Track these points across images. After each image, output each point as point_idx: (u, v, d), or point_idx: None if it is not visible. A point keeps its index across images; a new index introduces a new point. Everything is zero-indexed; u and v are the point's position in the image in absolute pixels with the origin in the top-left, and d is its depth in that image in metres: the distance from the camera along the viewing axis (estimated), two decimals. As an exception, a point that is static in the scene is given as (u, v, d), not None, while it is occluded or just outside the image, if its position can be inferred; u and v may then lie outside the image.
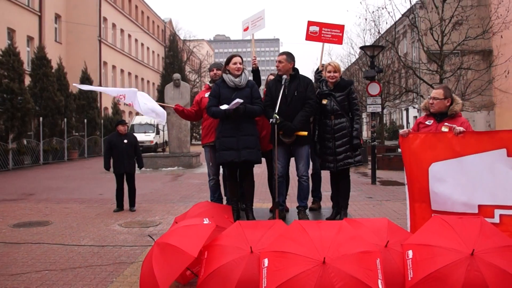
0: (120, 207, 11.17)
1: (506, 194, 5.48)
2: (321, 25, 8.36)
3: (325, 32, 8.30)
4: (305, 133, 6.91)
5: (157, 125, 38.00)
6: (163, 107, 7.67)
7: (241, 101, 6.57)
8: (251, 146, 6.75)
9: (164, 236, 5.39)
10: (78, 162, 29.13)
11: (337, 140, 7.00)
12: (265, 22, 8.55)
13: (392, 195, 13.43)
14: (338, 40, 8.40)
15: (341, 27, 8.38)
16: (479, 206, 5.59)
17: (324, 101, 7.11)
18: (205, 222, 5.40)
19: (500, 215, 5.48)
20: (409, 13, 24.11)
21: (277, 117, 6.44)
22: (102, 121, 35.83)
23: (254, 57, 8.17)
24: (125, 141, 11.11)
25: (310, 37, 8.36)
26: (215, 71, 7.76)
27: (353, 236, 4.70)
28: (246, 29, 8.71)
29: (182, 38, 68.02)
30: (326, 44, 8.52)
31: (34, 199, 13.15)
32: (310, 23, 8.41)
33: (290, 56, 7.12)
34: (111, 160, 11.27)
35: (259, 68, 8.04)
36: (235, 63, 6.96)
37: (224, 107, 6.59)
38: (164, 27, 69.57)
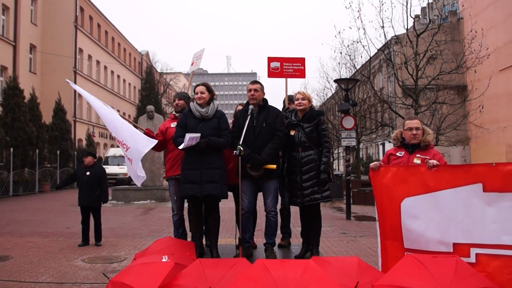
0: (85, 241, 10.76)
1: (483, 232, 5.20)
2: (281, 60, 8.24)
3: (286, 67, 8.18)
4: (274, 166, 6.68)
5: (132, 157, 37.55)
6: (136, 126, 7.48)
7: (196, 135, 6.31)
8: (215, 180, 6.47)
9: (120, 274, 5.06)
10: (49, 194, 28.54)
11: (304, 174, 6.76)
12: (201, 62, 8.50)
13: (367, 230, 13.18)
14: (301, 73, 8.26)
15: (301, 60, 8.26)
16: (454, 244, 5.31)
17: (292, 132, 6.91)
18: (163, 260, 5.12)
19: (477, 254, 5.19)
20: (385, 48, 24.24)
21: (241, 148, 6.20)
22: (75, 152, 35.30)
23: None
24: (88, 173, 10.76)
25: (272, 73, 8.22)
26: (176, 101, 7.55)
27: (320, 277, 4.41)
28: (192, 64, 8.58)
29: (159, 70, 68.16)
30: (301, 79, 8.41)
31: (-3, 233, 12.68)
32: (270, 59, 8.28)
33: (263, 86, 6.96)
34: (65, 184, 11.28)
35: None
36: (196, 93, 6.75)
37: (186, 138, 6.31)
38: (141, 59, 69.67)
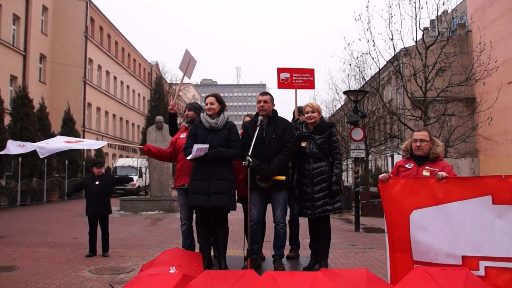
0: (92, 251, 10.74)
1: (492, 245, 5.15)
2: (291, 71, 8.20)
3: (296, 78, 8.14)
4: (283, 177, 6.64)
5: (140, 168, 37.65)
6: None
7: (205, 146, 6.29)
8: (223, 192, 6.42)
9: (127, 285, 5.03)
10: (57, 204, 28.55)
11: (315, 185, 6.71)
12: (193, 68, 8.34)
13: (375, 242, 13.10)
14: (310, 84, 8.23)
15: (311, 71, 8.22)
16: (463, 257, 5.26)
17: (303, 144, 6.86)
18: (171, 271, 5.08)
19: (486, 267, 5.14)
20: (394, 60, 24.21)
21: (250, 159, 6.17)
22: (84, 162, 35.35)
23: (173, 103, 7.92)
24: (97, 182, 10.76)
25: (282, 84, 8.19)
26: (187, 112, 7.54)
27: (328, 289, 4.37)
28: (184, 74, 8.39)
29: (168, 81, 68.25)
30: (311, 90, 8.38)
31: (4, 242, 12.65)
32: (280, 70, 8.24)
33: (272, 97, 6.94)
34: (75, 191, 11.25)
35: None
36: (206, 104, 6.74)
37: (194, 149, 6.29)
38: (151, 69, 69.91)
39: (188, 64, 8.12)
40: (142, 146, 7.43)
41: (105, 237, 10.85)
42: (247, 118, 7.60)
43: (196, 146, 6.27)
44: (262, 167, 6.51)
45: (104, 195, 10.81)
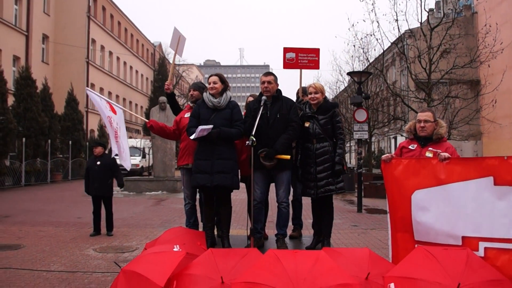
0: (96, 231, 10.84)
1: (492, 226, 5.15)
2: (296, 50, 8.15)
3: (301, 58, 8.10)
4: (288, 156, 6.66)
5: (143, 148, 37.71)
6: (148, 115, 7.69)
7: (208, 127, 6.30)
8: (226, 171, 6.45)
9: (131, 263, 5.07)
10: (61, 185, 28.72)
11: (318, 165, 6.73)
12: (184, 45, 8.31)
13: (377, 223, 13.17)
14: (315, 65, 8.18)
15: (316, 51, 8.17)
16: (463, 237, 5.27)
17: (307, 124, 6.88)
18: (175, 249, 5.14)
19: (485, 248, 5.15)
20: (398, 41, 24.11)
21: (254, 139, 6.18)
22: (87, 143, 35.42)
23: (168, 83, 7.90)
24: (98, 163, 10.83)
25: (287, 64, 8.14)
26: (191, 92, 7.54)
27: (331, 267, 4.41)
28: (176, 53, 8.35)
29: (171, 62, 68.04)
30: (314, 71, 8.34)
31: (9, 222, 12.76)
32: (286, 50, 8.19)
33: (276, 77, 6.94)
34: (88, 186, 11.00)
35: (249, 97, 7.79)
36: (209, 83, 6.74)
37: (198, 129, 6.31)
38: (154, 50, 69.76)
39: (178, 42, 8.12)
40: (147, 121, 7.45)
41: (109, 217, 10.95)
42: (250, 98, 7.60)
43: (200, 127, 6.29)
44: (266, 149, 6.54)
45: (105, 176, 10.86)
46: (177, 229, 6.77)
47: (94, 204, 10.94)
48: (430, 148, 5.87)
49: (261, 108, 6.65)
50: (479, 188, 5.24)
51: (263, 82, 6.92)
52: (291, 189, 7.21)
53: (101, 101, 7.84)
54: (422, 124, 6.03)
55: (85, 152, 34.77)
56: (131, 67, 58.45)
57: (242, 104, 8.50)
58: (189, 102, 7.66)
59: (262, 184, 6.83)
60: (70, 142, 32.49)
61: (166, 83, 7.90)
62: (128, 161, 8.05)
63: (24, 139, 26.13)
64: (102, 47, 48.42)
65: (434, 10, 38.00)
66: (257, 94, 7.31)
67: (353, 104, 18.27)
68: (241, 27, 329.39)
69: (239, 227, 11.03)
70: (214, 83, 6.73)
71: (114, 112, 7.90)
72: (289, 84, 24.87)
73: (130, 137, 48.35)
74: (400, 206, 5.76)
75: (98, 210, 10.90)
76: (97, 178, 10.78)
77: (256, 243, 6.63)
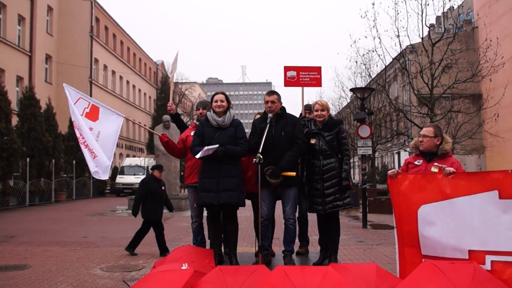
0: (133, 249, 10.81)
1: (498, 239, 5.18)
2: (298, 69, 8.24)
3: (303, 76, 8.18)
4: (294, 173, 6.70)
5: (147, 167, 37.70)
6: (151, 133, 7.65)
7: (214, 147, 6.35)
8: (232, 189, 6.50)
9: (140, 282, 5.11)
10: (65, 204, 28.69)
11: (325, 181, 6.79)
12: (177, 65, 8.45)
13: (383, 239, 13.14)
14: (317, 82, 8.27)
15: (318, 69, 8.26)
16: (470, 251, 5.30)
17: (313, 141, 6.94)
18: (183, 268, 5.14)
19: (492, 261, 5.17)
20: (400, 57, 24.21)
21: (261, 156, 6.23)
22: (91, 162, 35.42)
23: (170, 103, 7.98)
24: (163, 187, 10.78)
25: (288, 82, 8.23)
26: (200, 110, 7.60)
27: (339, 283, 4.44)
28: (171, 72, 8.53)
29: (174, 80, 68.19)
30: (317, 88, 8.42)
31: (15, 242, 12.76)
32: (287, 69, 8.28)
33: (279, 96, 6.98)
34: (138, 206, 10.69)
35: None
36: (216, 101, 6.78)
37: (204, 149, 6.36)
38: (156, 69, 69.94)
39: (175, 61, 8.30)
40: (160, 135, 7.48)
41: (162, 238, 10.87)
42: (258, 116, 7.66)
43: (206, 147, 6.34)
44: (271, 167, 6.58)
45: (164, 199, 10.92)
46: (185, 247, 6.81)
47: (145, 228, 10.82)
48: (435, 163, 5.91)
49: (267, 126, 6.70)
50: (484, 202, 5.27)
51: (266, 102, 6.97)
52: (297, 206, 7.25)
53: (80, 101, 7.77)
54: (420, 139, 6.11)
55: (89, 171, 34.62)
56: (134, 86, 58.63)
57: (244, 121, 8.57)
58: (194, 120, 7.72)
59: (268, 201, 6.87)
60: (74, 161, 32.55)
61: (168, 104, 7.95)
62: (104, 167, 7.52)
63: (28, 159, 26.19)
64: (105, 67, 48.64)
65: (435, 25, 38.10)
66: (262, 112, 7.37)
67: (357, 120, 18.32)
68: (243, 44, 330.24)
69: (245, 244, 11.03)
70: (222, 101, 6.79)
71: (94, 118, 7.79)
72: (294, 101, 24.94)
73: (134, 156, 48.43)
74: (407, 221, 5.79)
75: (146, 232, 10.82)
76: (160, 202, 10.71)
77: (264, 260, 6.65)
